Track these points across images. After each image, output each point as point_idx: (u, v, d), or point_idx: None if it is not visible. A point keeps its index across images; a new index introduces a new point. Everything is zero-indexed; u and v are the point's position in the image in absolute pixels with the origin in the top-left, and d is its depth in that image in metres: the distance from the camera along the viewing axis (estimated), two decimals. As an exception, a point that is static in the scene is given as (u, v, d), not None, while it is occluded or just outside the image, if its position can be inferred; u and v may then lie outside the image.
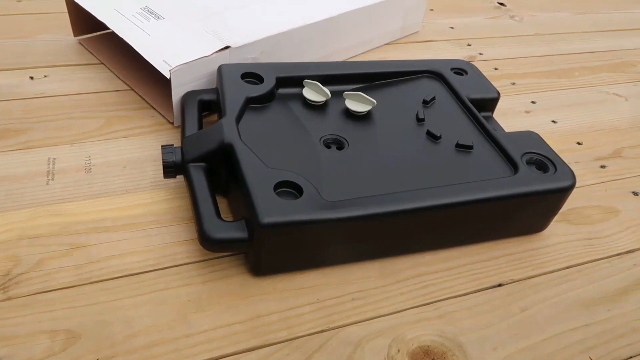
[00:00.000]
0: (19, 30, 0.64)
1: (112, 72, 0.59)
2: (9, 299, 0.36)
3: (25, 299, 0.36)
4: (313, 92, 0.49)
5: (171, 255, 0.40)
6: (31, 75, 0.57)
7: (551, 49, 0.80)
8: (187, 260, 0.40)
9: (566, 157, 0.56)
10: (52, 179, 0.45)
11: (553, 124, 0.63)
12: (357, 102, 0.48)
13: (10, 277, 0.37)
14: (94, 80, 0.57)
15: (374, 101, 0.48)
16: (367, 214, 0.38)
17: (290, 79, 0.50)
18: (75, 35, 0.63)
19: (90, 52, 0.61)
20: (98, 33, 0.64)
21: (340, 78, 0.52)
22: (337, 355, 0.35)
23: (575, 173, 0.44)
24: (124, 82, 0.57)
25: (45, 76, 0.57)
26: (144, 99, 0.56)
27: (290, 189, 0.38)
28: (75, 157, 0.47)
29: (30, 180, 0.44)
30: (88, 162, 0.47)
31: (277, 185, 0.38)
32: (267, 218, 0.35)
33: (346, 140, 0.45)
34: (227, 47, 0.52)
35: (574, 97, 0.69)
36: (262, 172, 0.39)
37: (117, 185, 0.45)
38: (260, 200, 0.36)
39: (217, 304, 0.37)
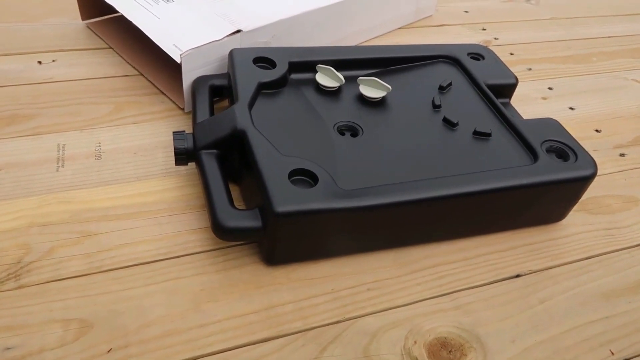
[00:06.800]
0: (25, 14, 0.63)
1: (121, 56, 0.58)
2: (20, 287, 0.35)
3: (37, 288, 0.35)
4: (326, 78, 0.47)
5: (183, 243, 0.39)
6: (39, 60, 0.56)
7: (568, 33, 0.78)
8: (199, 249, 0.39)
9: (585, 145, 0.53)
10: (62, 166, 0.44)
11: (571, 110, 0.61)
12: (372, 88, 0.47)
13: (22, 265, 0.36)
14: (103, 65, 0.56)
15: (389, 87, 0.46)
16: (383, 203, 0.37)
17: (303, 64, 0.48)
18: (83, 19, 0.61)
19: (99, 36, 0.60)
20: (106, 17, 0.63)
21: (354, 63, 0.50)
22: (353, 347, 0.35)
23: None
24: (133, 67, 0.56)
25: (53, 61, 0.56)
26: (153, 84, 0.55)
27: (305, 177, 0.38)
28: (85, 143, 0.47)
29: (40, 167, 0.44)
30: (98, 148, 0.46)
31: (292, 173, 0.37)
32: (281, 207, 0.35)
33: (360, 127, 0.44)
34: (238, 31, 0.50)
35: (591, 83, 0.67)
36: (276, 160, 0.38)
37: (128, 172, 0.44)
38: (274, 189, 0.36)
39: (230, 294, 0.37)
